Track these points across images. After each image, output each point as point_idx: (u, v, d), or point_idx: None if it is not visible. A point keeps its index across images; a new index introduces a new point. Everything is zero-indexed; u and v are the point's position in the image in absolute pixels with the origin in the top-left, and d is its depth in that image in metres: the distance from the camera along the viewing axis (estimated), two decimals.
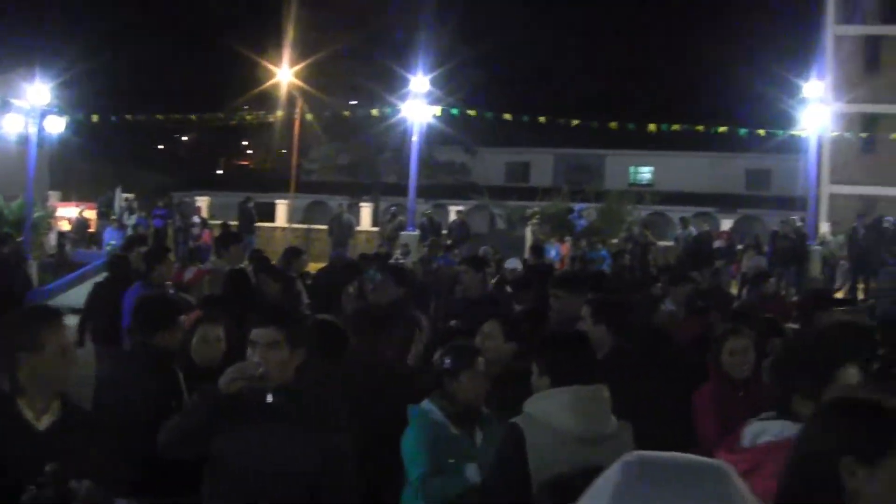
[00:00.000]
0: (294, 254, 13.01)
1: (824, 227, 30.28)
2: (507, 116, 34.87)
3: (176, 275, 10.95)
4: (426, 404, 5.25)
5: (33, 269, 27.64)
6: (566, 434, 4.42)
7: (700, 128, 35.23)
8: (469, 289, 10.00)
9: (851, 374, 3.68)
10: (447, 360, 5.27)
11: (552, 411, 4.51)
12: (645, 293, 11.43)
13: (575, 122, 34.74)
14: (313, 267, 16.07)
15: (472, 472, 5.02)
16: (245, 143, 77.51)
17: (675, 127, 34.99)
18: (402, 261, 21.91)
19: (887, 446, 2.70)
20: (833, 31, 48.65)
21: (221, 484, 4.52)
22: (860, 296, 21.85)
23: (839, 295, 21.72)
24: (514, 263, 16.14)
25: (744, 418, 3.86)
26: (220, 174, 78.81)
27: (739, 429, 3.80)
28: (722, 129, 34.88)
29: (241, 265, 11.07)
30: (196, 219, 33.54)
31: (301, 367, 4.64)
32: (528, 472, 4.35)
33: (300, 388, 4.56)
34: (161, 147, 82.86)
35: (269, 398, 4.44)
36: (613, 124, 35.53)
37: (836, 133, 39.57)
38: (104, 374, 5.95)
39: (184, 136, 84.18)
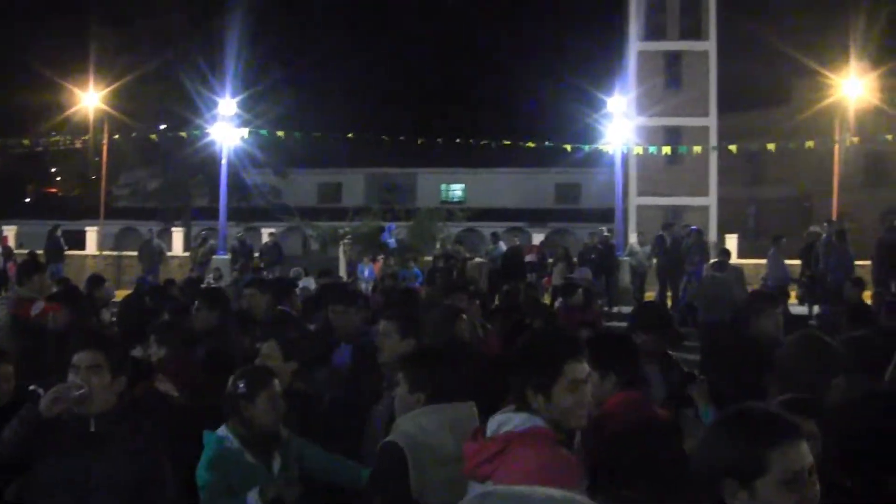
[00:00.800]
0: (96, 282, 12.83)
1: (632, 238, 31.92)
2: (317, 135, 35.52)
3: (23, 310, 10.52)
4: (222, 431, 5.10)
5: None
6: (447, 454, 4.33)
7: (507, 143, 36.59)
8: (254, 310, 9.77)
9: (579, 370, 3.80)
10: (241, 385, 5.10)
11: (432, 430, 4.44)
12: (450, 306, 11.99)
13: (385, 138, 35.76)
14: (122, 294, 15.83)
15: (253, 499, 4.87)
16: (53, 169, 75.32)
17: (484, 143, 36.31)
18: (214, 285, 22.37)
19: (760, 466, 2.82)
20: (636, 47, 51.18)
21: None
22: (668, 303, 23.25)
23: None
24: (307, 282, 17.02)
25: None
26: (27, 202, 76.45)
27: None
28: (530, 144, 36.26)
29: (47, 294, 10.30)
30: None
31: (123, 395, 4.63)
32: (409, 494, 4.31)
33: (122, 416, 4.56)
34: None
35: (92, 426, 4.45)
36: (422, 141, 36.65)
37: (640, 146, 41.74)
38: None
39: None
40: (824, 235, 21.23)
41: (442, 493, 4.24)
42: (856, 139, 36.63)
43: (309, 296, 13.08)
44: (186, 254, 36.61)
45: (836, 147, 37.89)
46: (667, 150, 42.35)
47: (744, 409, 3.04)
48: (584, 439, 4.41)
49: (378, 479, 4.56)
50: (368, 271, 28.07)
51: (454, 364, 4.85)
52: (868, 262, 21.53)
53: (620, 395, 4.57)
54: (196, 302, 9.19)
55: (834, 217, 30.47)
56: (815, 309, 20.74)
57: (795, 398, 4.11)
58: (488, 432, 3.83)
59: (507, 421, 3.80)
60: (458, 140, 35.77)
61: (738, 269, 19.46)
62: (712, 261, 19.57)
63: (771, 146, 35.76)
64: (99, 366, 4.46)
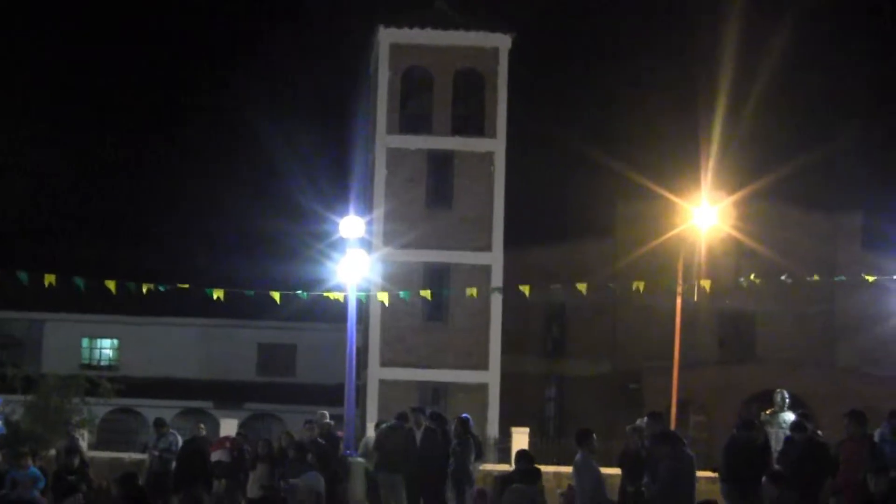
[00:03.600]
0: None
1: (370, 431, 32.42)
2: None
3: None
4: None
5: None
6: None
7: (185, 285, 36.06)
8: None
9: None
10: None
11: None
12: None
13: None
14: None
15: None
16: None
17: (149, 285, 35.47)
18: None
19: None
20: (384, 143, 52.10)
21: None
22: None
23: None
24: None
25: None
26: None
27: None
28: (220, 289, 35.98)
29: None
30: None
31: None
32: None
33: None
34: None
35: None
36: (53, 278, 35.87)
37: (385, 290, 42.38)
38: None
39: None
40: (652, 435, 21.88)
41: None
42: (706, 283, 38.29)
43: None
44: None
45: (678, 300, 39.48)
46: (426, 293, 43.14)
47: None
48: None
49: None
50: None
51: None
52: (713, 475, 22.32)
53: None
54: None
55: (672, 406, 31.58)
56: None
57: None
58: None
59: None
60: (107, 280, 34.95)
61: None
62: None
63: (582, 287, 36.89)
64: None
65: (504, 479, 18.99)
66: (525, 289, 38.73)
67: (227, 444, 30.04)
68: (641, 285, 36.05)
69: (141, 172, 78.50)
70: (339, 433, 29.73)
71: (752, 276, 34.60)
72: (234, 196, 70.33)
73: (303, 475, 24.42)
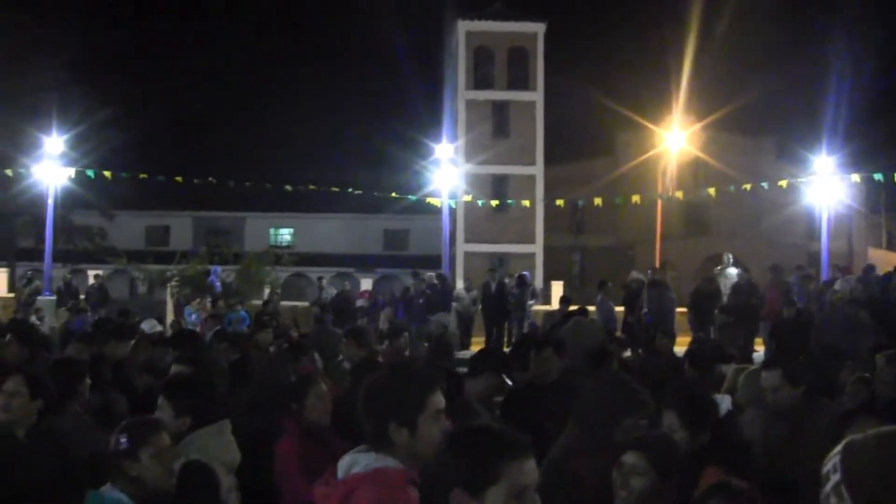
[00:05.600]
0: None
1: (459, 284, 32.38)
2: (144, 177, 34.98)
3: None
4: (111, 492, 4.43)
5: None
6: (231, 465, 4.92)
7: (336, 189, 36.67)
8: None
9: (439, 400, 3.82)
10: (122, 440, 4.46)
11: (221, 447, 4.88)
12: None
13: (211, 180, 35.42)
14: None
15: None
16: None
17: (313, 188, 36.29)
18: (38, 325, 21.81)
19: (492, 477, 2.97)
20: (463, 96, 52.27)
21: None
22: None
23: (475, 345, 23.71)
24: (150, 325, 16.78)
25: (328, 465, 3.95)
26: None
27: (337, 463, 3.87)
28: (357, 191, 36.34)
29: None
30: None
31: None
32: None
33: None
34: None
35: None
36: (251, 185, 36.41)
37: (468, 194, 42.42)
38: None
39: None
40: (646, 282, 21.95)
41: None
42: (679, 193, 37.95)
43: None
44: (11, 294, 35.56)
45: (659, 200, 39.22)
46: (494, 203, 43.28)
47: (479, 426, 3.28)
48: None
49: (198, 499, 4.53)
50: (196, 315, 27.70)
51: (207, 389, 5.08)
52: (686, 310, 22.42)
53: None
54: (7, 335, 9.16)
55: (657, 265, 31.49)
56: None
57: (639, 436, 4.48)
58: (339, 474, 3.74)
59: (354, 462, 3.72)
60: (287, 186, 35.62)
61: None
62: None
63: (598, 201, 36.64)
64: None
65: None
66: (560, 202, 38.89)
67: (366, 295, 30.39)
68: (636, 198, 36.02)
69: (306, 111, 78.03)
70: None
71: (710, 191, 34.20)
72: (367, 129, 70.38)
73: (435, 315, 24.76)
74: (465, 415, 5.57)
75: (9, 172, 36.12)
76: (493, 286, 25.58)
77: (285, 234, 63.50)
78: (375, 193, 36.73)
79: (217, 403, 5.06)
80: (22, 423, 5.67)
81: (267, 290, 33.57)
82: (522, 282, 26.05)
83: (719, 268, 25.57)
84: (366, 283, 37.42)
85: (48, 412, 5.86)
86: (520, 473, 3.00)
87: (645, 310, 20.62)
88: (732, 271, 24.27)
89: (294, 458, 5.71)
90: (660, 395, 5.48)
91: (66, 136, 34.02)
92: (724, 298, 21.99)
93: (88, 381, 7.08)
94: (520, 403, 6.93)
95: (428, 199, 37.24)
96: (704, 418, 5.12)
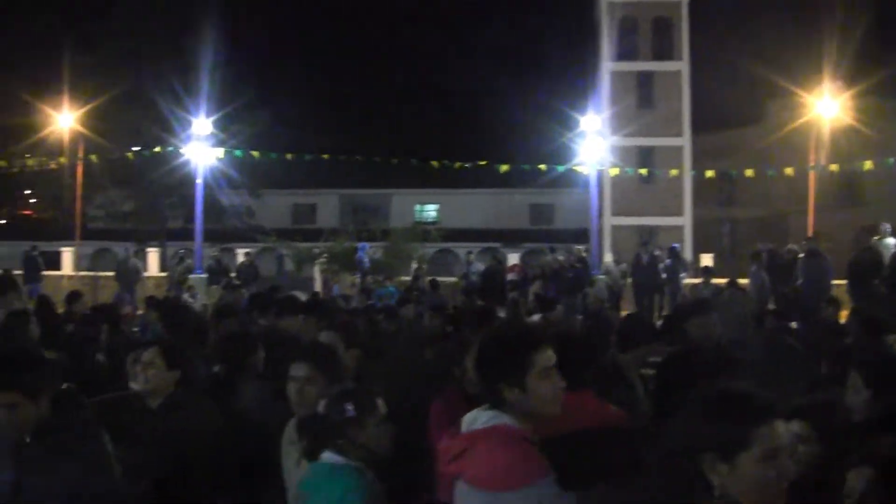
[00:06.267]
0: (75, 297, 13.46)
1: (608, 257, 32.21)
2: (291, 156, 35.56)
3: None
4: (332, 457, 4.54)
5: None
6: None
7: (483, 163, 36.70)
8: None
9: (546, 357, 3.87)
10: (349, 408, 4.60)
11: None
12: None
13: (358, 158, 35.85)
14: None
15: None
16: (28, 191, 75.10)
17: (458, 164, 36.37)
18: (190, 302, 22.45)
19: (744, 441, 2.95)
20: (609, 68, 51.71)
21: None
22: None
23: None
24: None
25: None
26: (2, 224, 76.41)
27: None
28: (504, 166, 36.30)
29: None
30: None
31: (58, 403, 4.65)
32: None
33: (54, 427, 4.54)
34: None
35: (27, 438, 4.46)
36: (396, 162, 36.74)
37: (615, 166, 41.98)
38: None
39: None
40: (801, 253, 21.47)
41: None
42: (833, 167, 36.78)
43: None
44: (162, 273, 36.62)
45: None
46: (643, 171, 42.74)
47: (728, 389, 3.17)
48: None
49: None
50: (335, 290, 28.20)
51: None
52: (843, 282, 21.78)
53: (570, 395, 4.54)
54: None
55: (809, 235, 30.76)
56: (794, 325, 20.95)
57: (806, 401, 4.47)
58: (462, 430, 3.90)
59: (475, 419, 3.87)
60: (432, 161, 35.75)
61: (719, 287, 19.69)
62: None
63: (749, 172, 35.77)
64: (13, 404, 4.42)
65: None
66: (709, 173, 38.08)
67: (516, 269, 30.41)
68: (790, 170, 35.05)
69: (449, 86, 78.22)
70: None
71: (867, 164, 32.97)
72: (509, 103, 70.16)
73: (594, 286, 24.72)
74: (616, 383, 5.69)
75: (158, 150, 37.15)
76: (645, 259, 25.37)
77: (431, 211, 63.88)
78: (524, 167, 36.45)
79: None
80: (158, 394, 5.80)
81: (414, 266, 33.87)
82: (674, 254, 25.83)
83: (877, 237, 24.81)
84: (512, 259, 37.43)
85: (185, 384, 5.93)
86: (772, 437, 2.98)
87: (801, 280, 20.19)
88: (890, 241, 23.52)
89: (446, 417, 5.59)
90: (834, 363, 5.38)
91: (214, 117, 34.74)
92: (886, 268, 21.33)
93: (262, 353, 7.27)
94: (677, 369, 6.82)
95: (576, 168, 36.95)
96: (890, 380, 4.97)
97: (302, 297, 18.07)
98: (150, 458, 5.33)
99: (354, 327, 8.79)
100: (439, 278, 30.90)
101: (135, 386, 5.90)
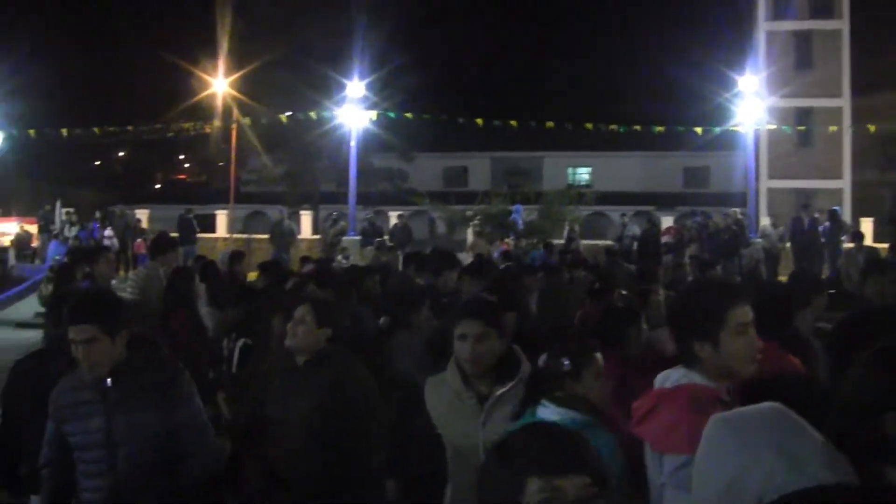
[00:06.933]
0: (237, 257, 13.78)
1: (765, 221, 31.72)
2: (444, 118, 35.76)
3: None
4: (546, 409, 4.51)
5: None
6: None
7: (638, 127, 36.30)
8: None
9: (743, 313, 3.76)
10: (566, 362, 4.66)
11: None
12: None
13: (512, 122, 35.89)
14: (252, 276, 16.09)
15: None
16: (181, 157, 77.23)
17: (613, 126, 36.06)
18: (343, 264, 22.95)
19: None
20: (765, 27, 50.57)
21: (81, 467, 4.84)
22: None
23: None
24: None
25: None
26: (157, 189, 78.77)
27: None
28: (659, 128, 35.86)
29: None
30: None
31: (134, 346, 4.86)
32: None
33: (134, 366, 4.78)
34: (98, 164, 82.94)
35: (108, 382, 4.71)
36: (550, 124, 36.62)
37: (772, 127, 41.18)
38: (20, 365, 5.85)
39: (120, 152, 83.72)
40: None
41: None
42: None
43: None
44: (315, 236, 37.28)
45: None
46: (801, 128, 41.79)
47: None
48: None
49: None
50: (497, 253, 28.36)
51: None
52: None
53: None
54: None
55: None
56: None
57: None
58: (655, 387, 3.83)
59: (667, 378, 3.79)
60: (586, 123, 35.56)
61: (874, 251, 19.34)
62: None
63: None
64: (93, 338, 4.63)
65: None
66: (871, 127, 37.05)
67: (672, 232, 30.21)
68: None
69: (601, 46, 77.38)
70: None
71: None
72: (662, 63, 69.16)
73: (748, 247, 24.47)
74: (792, 342, 5.47)
75: (312, 115, 37.70)
76: (806, 222, 24.97)
77: (583, 174, 63.53)
78: (679, 128, 36.00)
79: None
80: (305, 351, 5.86)
81: (567, 229, 33.88)
82: (834, 217, 25.34)
83: None
84: (666, 222, 37.17)
85: (335, 341, 5.99)
86: None
87: None
88: None
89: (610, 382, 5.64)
90: None
91: (367, 80, 34.98)
92: None
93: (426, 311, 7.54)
94: (857, 327, 6.72)
95: (733, 128, 36.36)
96: None
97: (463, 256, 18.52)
98: (291, 414, 5.59)
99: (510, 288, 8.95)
100: (593, 241, 30.96)
101: (287, 343, 5.98)
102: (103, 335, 4.63)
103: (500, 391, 4.86)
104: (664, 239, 28.44)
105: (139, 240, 32.64)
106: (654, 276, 11.33)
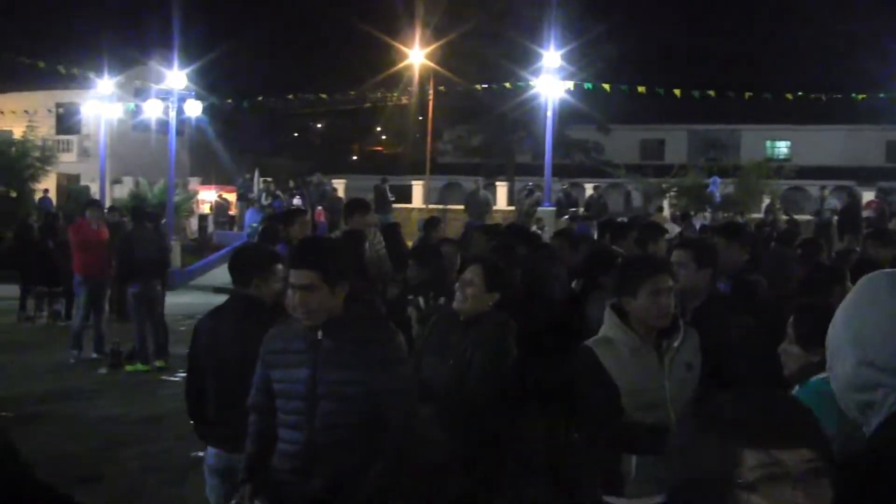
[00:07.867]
0: (433, 223, 13.98)
1: None
2: (642, 90, 35.48)
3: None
4: None
5: (176, 251, 29.60)
6: None
7: (838, 96, 35.07)
8: None
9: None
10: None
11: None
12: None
13: (711, 93, 35.38)
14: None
15: None
16: (378, 128, 78.61)
17: (814, 97, 34.97)
18: (539, 234, 23.31)
19: None
20: None
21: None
22: None
23: None
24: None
25: None
26: (354, 160, 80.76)
27: None
28: (861, 96, 34.60)
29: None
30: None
31: (351, 300, 4.76)
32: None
33: (348, 322, 4.67)
34: (296, 135, 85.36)
35: (319, 335, 4.63)
36: (749, 95, 35.85)
37: None
38: (201, 322, 6.04)
39: (318, 123, 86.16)
40: None
41: None
42: None
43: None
44: (510, 207, 37.64)
45: None
46: None
47: None
48: None
49: None
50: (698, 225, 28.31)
51: None
52: None
53: None
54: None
55: None
56: None
57: None
58: None
59: None
60: (787, 95, 34.68)
61: None
62: None
63: None
64: (311, 284, 4.55)
65: None
66: None
67: (873, 205, 29.53)
68: None
69: (799, 15, 75.00)
70: None
71: None
72: (865, 30, 66.65)
73: None
74: None
75: (507, 85, 37.99)
76: None
77: (782, 147, 62.21)
78: (881, 95, 34.62)
79: None
80: (470, 313, 5.90)
81: (766, 202, 33.49)
82: None
83: None
84: (867, 196, 36.30)
85: (502, 308, 5.98)
86: None
87: None
88: None
89: None
90: None
91: (563, 50, 35.01)
92: None
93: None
94: None
95: None
96: None
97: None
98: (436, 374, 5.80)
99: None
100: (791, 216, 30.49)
101: (454, 304, 5.99)
102: (322, 283, 4.55)
103: (676, 342, 4.90)
104: (865, 213, 27.89)
105: (318, 207, 33.40)
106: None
